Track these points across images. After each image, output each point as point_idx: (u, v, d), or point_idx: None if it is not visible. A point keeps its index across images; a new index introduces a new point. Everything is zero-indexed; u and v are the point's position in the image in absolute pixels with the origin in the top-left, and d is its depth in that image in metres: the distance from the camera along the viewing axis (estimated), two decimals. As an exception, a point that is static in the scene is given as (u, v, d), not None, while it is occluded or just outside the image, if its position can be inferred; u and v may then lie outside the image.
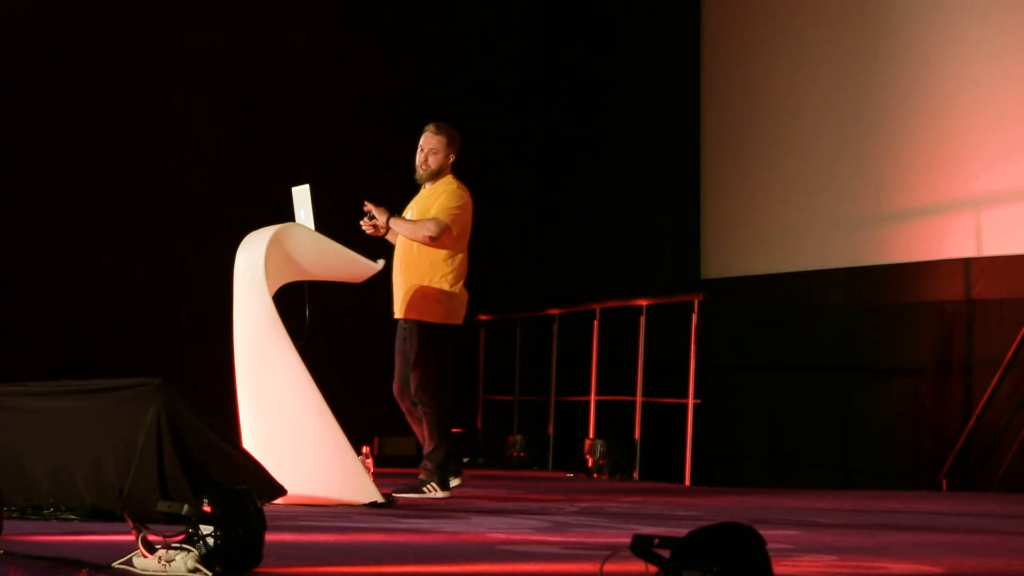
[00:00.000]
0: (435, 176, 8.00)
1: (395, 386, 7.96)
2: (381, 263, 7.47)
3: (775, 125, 11.75)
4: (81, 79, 11.93)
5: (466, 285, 8.02)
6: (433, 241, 7.78)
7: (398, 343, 7.97)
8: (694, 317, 10.30)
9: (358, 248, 7.48)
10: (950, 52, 10.30)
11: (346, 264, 7.46)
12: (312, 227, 7.36)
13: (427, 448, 7.90)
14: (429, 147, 8.01)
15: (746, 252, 11.94)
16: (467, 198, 7.94)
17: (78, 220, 11.79)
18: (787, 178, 11.61)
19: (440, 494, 7.81)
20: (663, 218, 12.79)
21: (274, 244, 7.19)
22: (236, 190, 12.09)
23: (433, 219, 7.81)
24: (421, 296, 7.85)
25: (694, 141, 12.49)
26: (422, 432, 7.95)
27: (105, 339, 11.59)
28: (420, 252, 7.87)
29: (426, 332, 7.86)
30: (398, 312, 7.96)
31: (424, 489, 7.81)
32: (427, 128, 8.07)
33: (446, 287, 7.89)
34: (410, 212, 8.02)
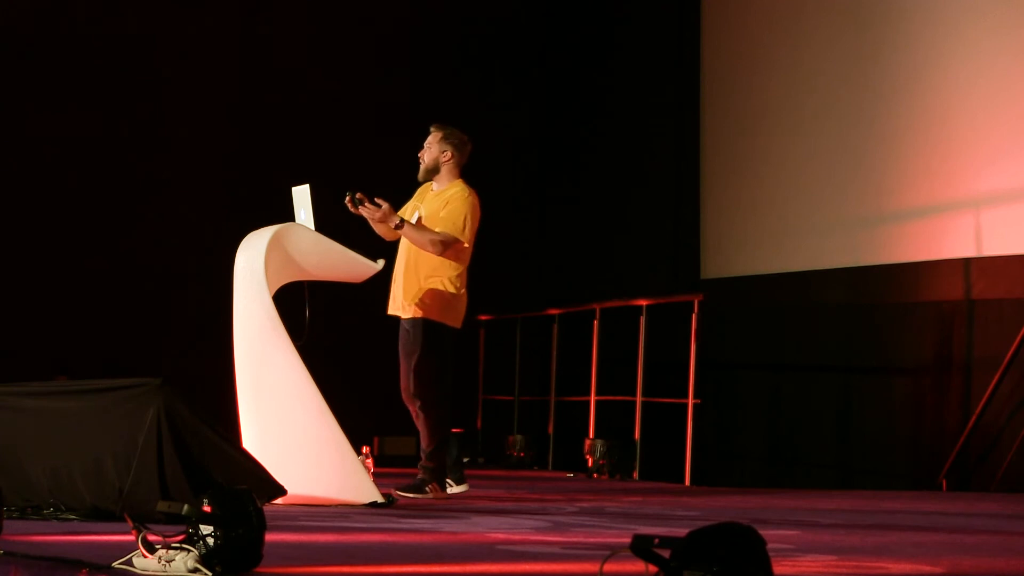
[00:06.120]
0: (432, 173, 7.99)
1: (403, 386, 7.88)
2: (381, 263, 7.47)
3: (775, 125, 11.75)
4: (80, 78, 11.93)
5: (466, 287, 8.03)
6: (441, 255, 7.78)
7: (402, 344, 7.95)
8: (694, 317, 10.30)
9: (358, 248, 7.48)
10: (950, 52, 10.30)
11: (346, 264, 7.46)
12: (312, 227, 7.35)
13: (427, 448, 7.86)
14: (426, 143, 8.05)
15: (746, 252, 11.94)
16: (477, 206, 7.90)
17: (78, 220, 11.79)
18: (787, 178, 11.61)
19: (438, 495, 7.80)
20: (663, 218, 12.78)
21: (274, 244, 7.19)
22: (236, 190, 12.08)
23: (447, 236, 7.75)
24: (428, 296, 7.83)
25: (694, 141, 12.49)
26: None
27: (105, 339, 11.59)
28: (428, 253, 7.83)
29: (432, 331, 7.83)
30: (401, 311, 7.91)
31: (426, 489, 7.79)
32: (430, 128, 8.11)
33: (452, 289, 7.87)
34: (419, 212, 7.95)
